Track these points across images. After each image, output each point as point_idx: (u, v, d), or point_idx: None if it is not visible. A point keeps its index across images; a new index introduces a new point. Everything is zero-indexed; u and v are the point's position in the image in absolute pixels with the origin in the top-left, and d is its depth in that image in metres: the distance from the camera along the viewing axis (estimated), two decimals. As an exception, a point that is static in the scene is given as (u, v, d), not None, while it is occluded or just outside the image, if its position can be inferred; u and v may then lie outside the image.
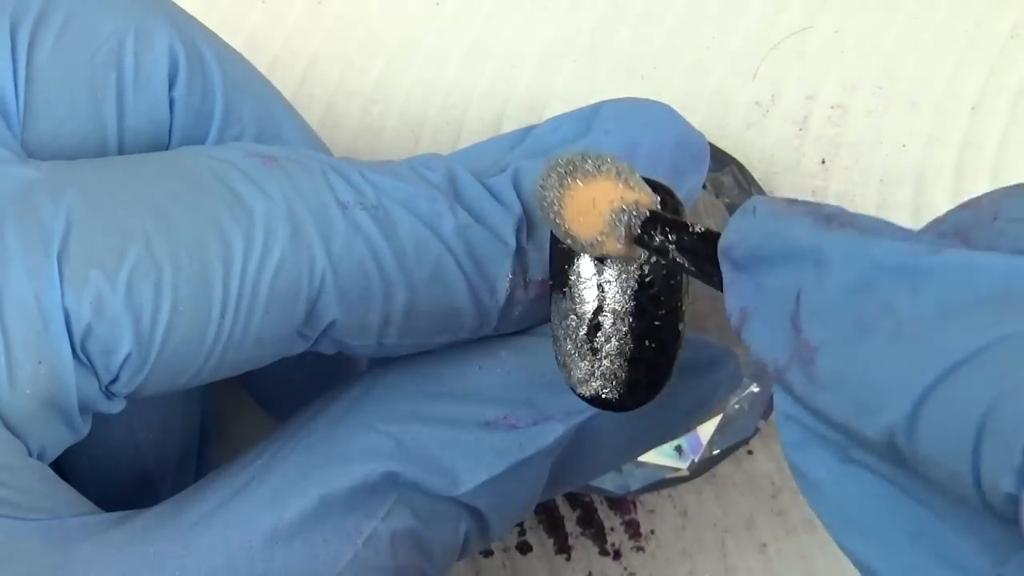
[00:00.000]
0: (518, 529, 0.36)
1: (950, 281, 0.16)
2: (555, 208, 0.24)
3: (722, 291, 0.20)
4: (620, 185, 0.24)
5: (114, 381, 0.24)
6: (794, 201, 0.20)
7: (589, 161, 0.24)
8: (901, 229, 0.18)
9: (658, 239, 0.23)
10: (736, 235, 0.20)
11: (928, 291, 0.16)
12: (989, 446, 0.15)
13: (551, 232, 0.26)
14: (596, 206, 0.24)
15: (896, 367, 0.16)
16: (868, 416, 0.17)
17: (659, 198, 0.24)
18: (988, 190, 0.36)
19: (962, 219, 0.19)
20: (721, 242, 0.20)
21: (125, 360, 0.24)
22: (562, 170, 0.24)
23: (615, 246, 0.24)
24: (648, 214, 0.23)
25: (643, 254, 0.25)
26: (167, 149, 0.28)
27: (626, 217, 0.23)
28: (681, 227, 0.22)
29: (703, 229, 0.22)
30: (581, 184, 0.24)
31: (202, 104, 0.28)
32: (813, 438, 0.19)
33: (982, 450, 0.15)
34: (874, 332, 0.17)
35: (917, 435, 0.16)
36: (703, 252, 0.22)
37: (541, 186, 0.25)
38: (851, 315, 0.17)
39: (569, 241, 0.24)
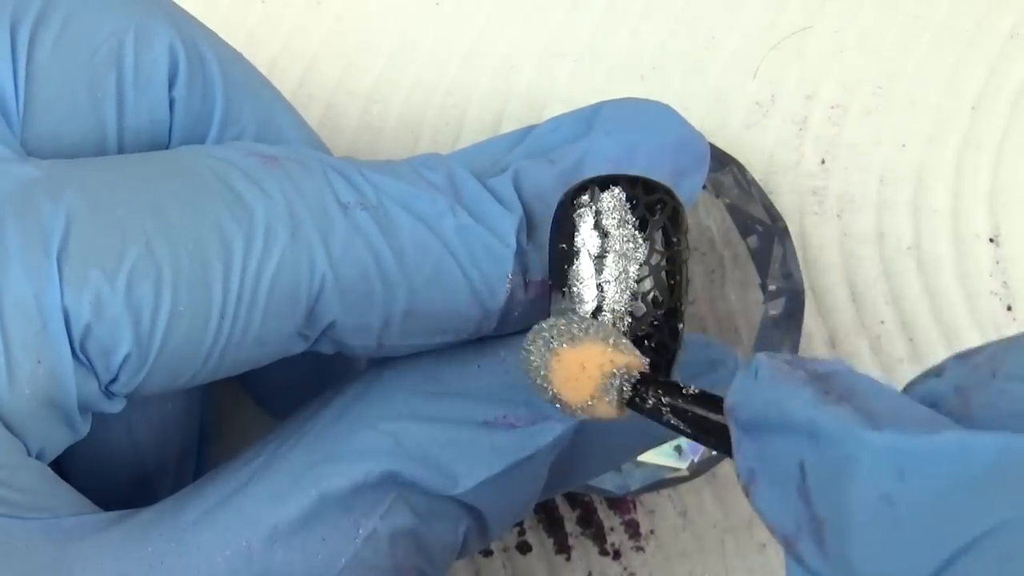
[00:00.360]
0: (518, 529, 0.36)
1: (944, 466, 0.16)
2: (542, 373, 0.24)
3: (718, 452, 0.20)
4: (608, 348, 0.24)
5: (113, 381, 0.24)
6: (795, 363, 0.20)
7: (575, 325, 0.24)
8: (901, 399, 0.18)
9: (651, 401, 0.23)
10: (739, 396, 0.20)
11: (922, 478, 0.16)
12: None
13: (551, 231, 0.26)
14: (585, 370, 0.24)
15: (896, 558, 0.16)
16: None
17: (648, 360, 0.24)
18: (988, 192, 0.36)
19: (960, 375, 0.19)
20: (727, 402, 0.20)
21: (124, 360, 0.24)
22: (547, 334, 0.24)
23: (607, 409, 0.24)
24: (639, 376, 0.23)
25: (643, 250, 0.25)
26: (167, 149, 0.28)
27: (617, 381, 0.23)
28: (674, 389, 0.22)
29: (696, 391, 0.22)
30: (568, 348, 0.24)
31: (202, 104, 0.28)
32: None
33: None
34: (870, 518, 0.17)
35: None
36: (696, 415, 0.22)
37: (527, 350, 0.25)
38: (847, 497, 0.17)
39: (558, 405, 0.24)
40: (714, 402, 0.22)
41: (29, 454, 0.24)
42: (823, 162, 0.38)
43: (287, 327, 0.25)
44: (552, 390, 0.24)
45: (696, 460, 0.35)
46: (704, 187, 0.36)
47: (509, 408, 0.26)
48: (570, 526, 0.36)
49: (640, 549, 0.36)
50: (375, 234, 0.25)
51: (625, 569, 0.36)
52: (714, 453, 0.35)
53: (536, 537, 0.36)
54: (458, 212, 0.26)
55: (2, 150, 0.25)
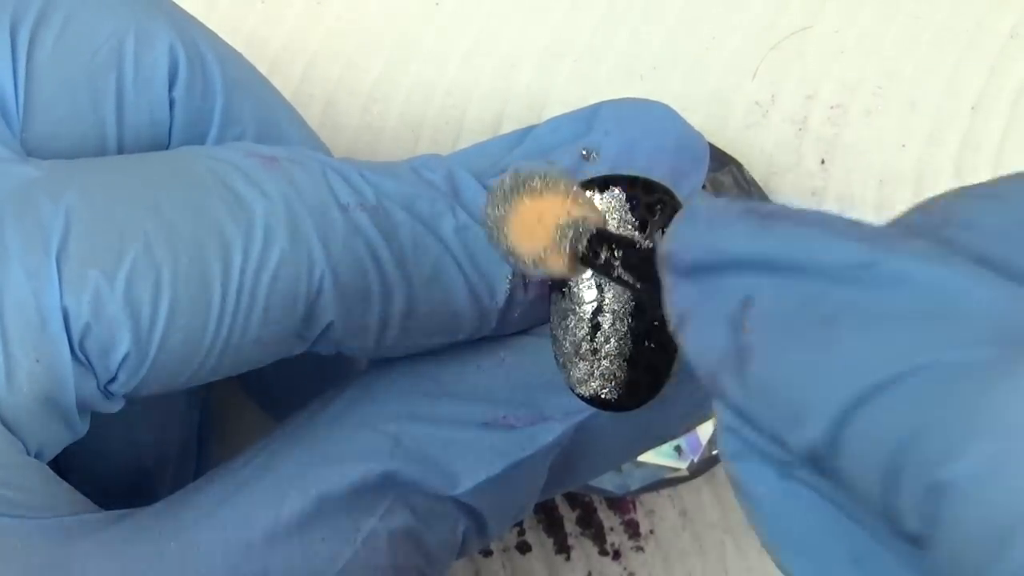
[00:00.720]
0: (518, 529, 0.36)
1: (882, 290, 0.16)
2: (499, 224, 0.23)
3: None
4: (568, 201, 0.23)
5: (112, 380, 0.24)
6: (731, 202, 0.19)
7: (537, 178, 0.24)
8: (847, 222, 0.18)
9: (603, 256, 0.22)
10: (677, 243, 0.19)
11: (860, 299, 0.16)
12: (901, 481, 0.15)
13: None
14: (541, 222, 0.23)
15: (820, 381, 0.16)
16: (792, 429, 0.16)
17: (605, 216, 0.23)
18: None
19: (914, 222, 0.18)
20: (660, 249, 0.20)
21: (123, 360, 0.24)
22: (509, 185, 0.24)
23: (558, 262, 0.23)
24: (594, 231, 0.23)
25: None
26: (167, 149, 0.28)
27: (571, 232, 0.23)
28: (627, 244, 0.22)
29: (650, 246, 0.21)
30: (528, 200, 0.23)
31: (202, 104, 0.28)
32: (753, 451, 0.18)
33: (894, 483, 0.15)
34: (805, 340, 0.16)
35: (837, 454, 0.16)
36: (647, 269, 0.21)
37: (487, 202, 0.24)
38: (788, 320, 0.16)
39: (511, 259, 0.24)
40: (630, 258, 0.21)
41: (28, 453, 0.24)
42: (823, 162, 0.38)
43: (286, 328, 0.25)
44: (507, 243, 0.23)
45: (696, 460, 0.35)
46: (704, 187, 0.36)
47: (508, 409, 0.26)
48: (570, 526, 0.36)
49: (640, 549, 0.36)
50: (374, 235, 0.25)
51: (625, 569, 0.36)
52: (714, 453, 0.35)
53: (536, 537, 0.36)
54: (458, 213, 0.26)
55: (1, 150, 0.25)
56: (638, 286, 0.22)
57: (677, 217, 0.20)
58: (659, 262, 0.20)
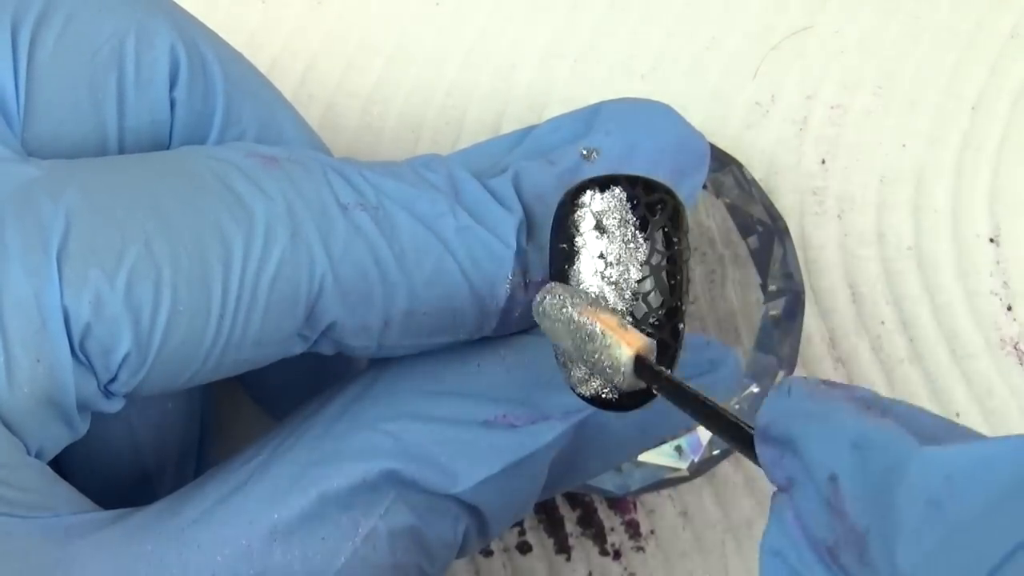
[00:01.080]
0: (518, 529, 0.36)
1: (993, 472, 0.16)
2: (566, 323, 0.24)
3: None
4: (616, 321, 0.24)
5: (113, 380, 0.24)
6: (829, 384, 0.20)
7: (589, 298, 0.25)
8: (935, 417, 0.19)
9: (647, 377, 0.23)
10: (773, 414, 0.20)
11: (971, 483, 0.17)
12: None
13: (551, 232, 0.26)
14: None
15: (945, 564, 0.17)
16: None
17: (655, 342, 0.24)
18: (988, 192, 0.36)
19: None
20: (758, 421, 0.20)
21: (124, 360, 0.24)
22: (565, 296, 0.25)
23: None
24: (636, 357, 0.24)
25: (643, 249, 0.25)
26: (167, 149, 0.28)
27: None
28: (663, 381, 0.23)
29: (688, 389, 0.23)
30: (587, 312, 0.24)
31: (203, 105, 0.28)
32: None
33: None
34: (919, 524, 0.17)
35: None
36: (681, 402, 0.22)
37: (544, 301, 0.25)
38: (895, 504, 0.17)
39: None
40: (709, 410, 0.22)
41: (28, 453, 0.24)
42: (823, 162, 0.38)
43: (287, 328, 0.25)
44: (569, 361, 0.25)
45: (696, 460, 0.35)
46: (704, 187, 0.36)
47: (509, 407, 0.27)
48: (570, 526, 0.36)
49: (640, 549, 0.36)
50: (375, 235, 0.25)
51: (625, 569, 0.36)
52: (715, 453, 0.35)
53: (536, 537, 0.36)
54: (458, 213, 0.26)
55: (2, 150, 0.25)
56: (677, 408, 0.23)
57: (773, 390, 0.21)
58: (756, 439, 0.21)
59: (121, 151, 0.27)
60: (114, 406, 0.25)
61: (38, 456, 0.25)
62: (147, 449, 0.30)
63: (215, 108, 0.28)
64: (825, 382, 0.20)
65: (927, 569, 0.17)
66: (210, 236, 0.24)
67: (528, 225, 0.27)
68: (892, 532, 0.17)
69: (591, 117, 0.29)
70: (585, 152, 0.28)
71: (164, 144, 0.28)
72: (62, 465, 0.28)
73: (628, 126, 0.29)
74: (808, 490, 0.19)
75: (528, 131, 0.30)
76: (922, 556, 0.17)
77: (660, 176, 0.26)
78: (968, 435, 0.18)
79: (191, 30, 0.28)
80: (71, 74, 0.26)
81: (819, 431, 0.19)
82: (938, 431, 0.18)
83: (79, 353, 0.23)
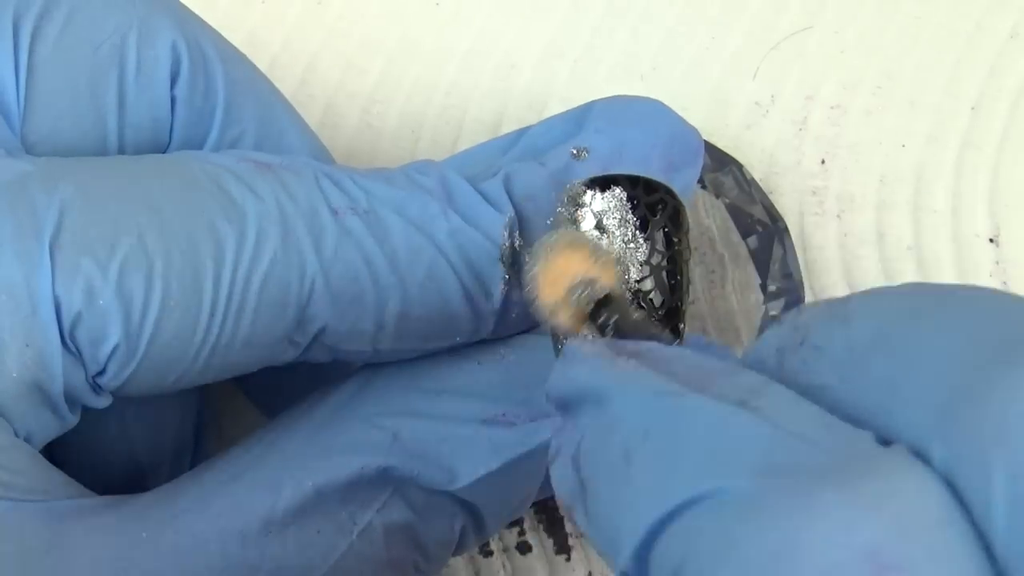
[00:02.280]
0: (518, 529, 0.36)
1: (674, 427, 0.16)
2: (533, 276, 0.25)
3: None
4: (590, 261, 0.24)
5: (101, 373, 0.24)
6: (611, 344, 0.20)
7: (575, 235, 0.25)
8: (689, 354, 0.18)
9: (602, 319, 0.23)
10: (552, 378, 0.20)
11: (657, 435, 0.17)
12: None
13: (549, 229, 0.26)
14: (564, 276, 0.24)
15: (624, 513, 0.17)
16: (615, 555, 0.17)
17: (624, 282, 0.25)
18: (988, 192, 0.36)
19: (784, 335, 0.19)
20: (545, 387, 0.21)
21: (113, 351, 0.24)
22: (548, 242, 0.25)
23: (565, 318, 0.24)
24: (603, 295, 0.24)
25: (643, 249, 0.25)
26: (167, 147, 0.28)
27: (580, 290, 0.24)
28: (622, 313, 0.23)
29: (641, 321, 0.23)
30: (558, 256, 0.24)
31: (204, 103, 0.28)
32: None
33: None
34: (615, 475, 0.17)
35: None
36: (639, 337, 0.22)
37: (531, 256, 0.25)
38: (603, 456, 0.17)
39: (536, 308, 0.25)
40: (651, 329, 0.22)
41: (17, 436, 0.24)
42: (823, 162, 0.38)
43: (277, 330, 0.25)
44: (536, 292, 0.25)
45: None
46: (704, 187, 0.36)
47: (508, 406, 0.27)
48: (570, 526, 0.36)
49: (640, 549, 0.36)
50: (366, 238, 0.25)
51: (625, 569, 0.36)
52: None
53: (536, 537, 0.36)
54: (450, 216, 0.26)
55: None
56: None
57: (560, 354, 0.21)
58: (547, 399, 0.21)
59: (121, 148, 0.27)
60: (101, 402, 0.25)
61: (27, 443, 0.25)
62: (142, 447, 0.30)
63: (216, 106, 0.28)
64: (609, 342, 0.20)
65: (610, 520, 0.17)
66: (203, 233, 0.24)
67: (520, 226, 0.27)
68: (596, 483, 0.18)
69: (582, 116, 0.29)
70: (575, 151, 0.28)
71: (164, 141, 0.28)
72: (55, 462, 0.28)
73: (618, 124, 0.29)
74: (563, 453, 0.19)
75: (522, 133, 0.30)
76: (608, 506, 0.17)
77: (652, 172, 0.26)
78: (682, 384, 0.18)
79: (193, 28, 0.28)
80: (72, 70, 0.26)
81: (573, 391, 0.19)
82: (675, 364, 0.18)
83: (69, 342, 0.24)
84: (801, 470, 0.15)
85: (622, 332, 0.23)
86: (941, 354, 0.15)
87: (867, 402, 0.16)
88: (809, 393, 0.17)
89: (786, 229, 0.36)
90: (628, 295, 0.24)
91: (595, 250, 0.24)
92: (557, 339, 0.25)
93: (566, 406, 0.19)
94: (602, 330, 0.23)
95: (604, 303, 0.23)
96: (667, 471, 0.16)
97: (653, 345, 0.19)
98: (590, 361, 0.19)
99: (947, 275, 0.37)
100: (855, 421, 0.16)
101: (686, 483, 0.16)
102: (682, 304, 0.26)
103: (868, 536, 0.14)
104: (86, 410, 0.26)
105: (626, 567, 0.17)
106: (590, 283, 0.24)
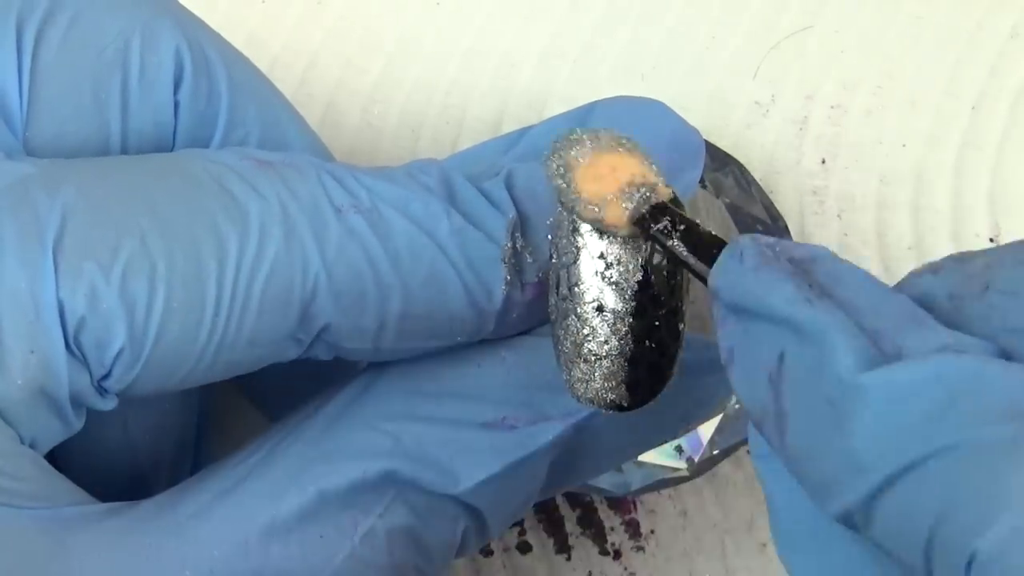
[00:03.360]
0: (518, 529, 0.36)
1: (905, 383, 0.17)
2: (571, 163, 0.24)
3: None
4: (647, 167, 0.24)
5: (106, 376, 0.24)
6: (779, 248, 0.20)
7: (622, 139, 0.24)
8: (884, 293, 0.19)
9: (662, 224, 0.23)
10: (723, 280, 0.21)
11: (883, 391, 0.17)
12: (938, 555, 0.16)
13: (551, 232, 0.26)
14: (614, 173, 0.24)
15: (853, 459, 0.17)
16: (827, 495, 0.18)
17: (672, 192, 0.24)
18: (988, 192, 0.36)
19: (955, 282, 0.19)
20: (711, 281, 0.21)
21: (118, 355, 0.24)
22: (586, 137, 0.24)
23: (616, 214, 0.24)
24: (661, 201, 0.23)
25: (643, 249, 0.25)
26: (171, 151, 0.28)
27: (640, 193, 0.24)
28: (689, 222, 0.23)
29: (708, 232, 0.22)
30: (605, 154, 0.24)
31: (207, 107, 0.28)
32: (788, 477, 0.20)
33: (932, 556, 0.17)
34: (838, 419, 0.18)
35: (872, 523, 0.18)
36: (703, 251, 0.22)
37: (563, 144, 0.25)
38: (819, 395, 0.18)
39: (571, 198, 0.24)
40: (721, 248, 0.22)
41: (22, 443, 0.24)
42: (823, 162, 0.38)
43: (280, 328, 0.25)
44: (572, 180, 0.24)
45: (696, 460, 0.35)
46: (704, 187, 0.36)
47: (509, 409, 0.27)
48: (570, 526, 0.36)
49: (640, 549, 0.36)
50: (369, 236, 0.25)
51: (625, 569, 0.36)
52: (715, 453, 0.35)
53: (536, 537, 0.36)
54: (452, 215, 0.26)
55: None
56: (691, 262, 0.22)
57: (726, 251, 0.21)
58: (711, 294, 0.21)
59: (124, 152, 0.27)
60: (107, 404, 0.25)
61: (31, 448, 0.25)
62: (143, 450, 0.30)
63: (219, 111, 0.28)
64: (775, 244, 0.20)
65: (828, 470, 0.18)
66: (205, 233, 0.24)
67: (522, 225, 0.27)
68: (806, 426, 0.18)
69: (585, 116, 0.29)
70: None
71: (167, 146, 0.28)
72: (57, 466, 0.28)
73: (621, 124, 0.29)
74: (749, 363, 0.20)
75: (523, 132, 0.30)
76: (828, 456, 0.18)
77: None
78: (911, 317, 0.18)
79: (196, 32, 0.28)
80: (75, 74, 0.26)
81: (763, 309, 0.19)
82: (880, 311, 0.18)
83: (73, 346, 0.24)
84: None
85: (686, 238, 0.22)
86: None
87: None
88: (1008, 337, 0.18)
89: (786, 229, 0.36)
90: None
91: (648, 157, 0.24)
92: (575, 226, 0.25)
93: (742, 311, 0.20)
94: (662, 234, 0.23)
95: (662, 209, 0.23)
96: (896, 427, 0.17)
97: (833, 271, 0.19)
98: (784, 289, 0.19)
99: (947, 275, 0.37)
100: None
101: (920, 437, 0.17)
102: (682, 304, 0.26)
103: None
104: (90, 413, 0.26)
105: (846, 512, 0.18)
106: (652, 187, 0.24)
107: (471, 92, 0.38)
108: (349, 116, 0.38)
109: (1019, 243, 0.19)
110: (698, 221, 0.23)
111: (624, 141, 0.25)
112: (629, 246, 0.25)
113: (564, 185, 0.24)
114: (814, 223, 0.37)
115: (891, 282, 0.36)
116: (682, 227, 0.23)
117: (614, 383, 0.25)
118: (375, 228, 0.26)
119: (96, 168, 0.25)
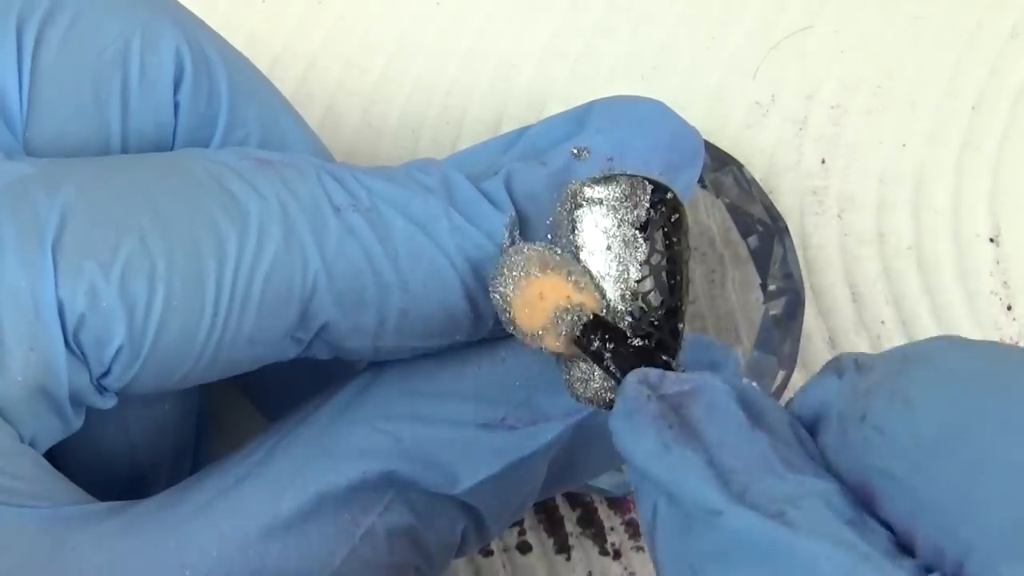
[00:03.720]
0: (518, 529, 0.36)
1: (722, 546, 0.18)
2: (506, 296, 0.25)
3: None
4: (570, 284, 0.25)
5: (106, 375, 0.24)
6: (657, 387, 0.21)
7: (545, 255, 0.25)
8: (748, 435, 0.19)
9: (596, 344, 0.24)
10: (612, 425, 0.21)
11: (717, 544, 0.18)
12: None
13: (550, 231, 0.26)
14: (542, 300, 0.25)
15: None
16: None
17: (606, 302, 0.25)
18: (988, 192, 0.36)
19: (846, 401, 0.20)
20: (610, 426, 0.21)
21: (117, 353, 0.24)
22: (518, 260, 0.25)
23: (554, 343, 0.25)
24: (590, 317, 0.24)
25: (641, 247, 0.25)
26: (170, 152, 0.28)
27: (568, 317, 0.24)
28: (619, 338, 0.24)
29: (640, 344, 0.24)
30: (534, 277, 0.25)
31: (207, 108, 0.28)
32: None
33: None
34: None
35: None
36: (636, 363, 0.23)
37: (497, 273, 0.25)
38: (683, 560, 0.19)
39: (512, 329, 0.25)
40: (654, 359, 0.23)
41: (22, 442, 0.24)
42: (823, 162, 0.38)
43: (280, 327, 0.25)
44: (510, 314, 0.25)
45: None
46: (704, 187, 0.36)
47: (508, 409, 0.27)
48: (570, 526, 0.36)
49: (640, 549, 0.36)
50: (368, 235, 0.25)
51: (625, 569, 0.36)
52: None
53: (536, 537, 0.36)
54: (451, 214, 0.26)
55: None
56: (619, 377, 0.23)
57: (618, 394, 0.22)
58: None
59: (124, 152, 0.27)
60: (107, 402, 0.25)
61: (31, 447, 0.25)
62: (143, 450, 0.30)
63: (219, 111, 0.28)
64: (658, 379, 0.21)
65: None
66: (205, 233, 0.24)
67: (521, 225, 0.27)
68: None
69: (583, 116, 0.29)
70: (576, 151, 0.28)
71: (167, 146, 0.28)
72: (56, 465, 0.28)
73: (619, 124, 0.29)
74: (642, 509, 0.20)
75: (522, 132, 0.30)
76: None
77: (652, 172, 0.26)
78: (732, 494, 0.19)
79: (196, 32, 0.28)
80: (75, 74, 0.26)
81: (631, 462, 0.20)
82: (738, 452, 0.19)
83: (73, 345, 0.24)
84: None
85: (618, 356, 0.23)
86: (1012, 466, 0.16)
87: (933, 502, 0.17)
88: (870, 474, 0.18)
89: (786, 228, 0.36)
90: (610, 312, 0.25)
91: (570, 270, 0.25)
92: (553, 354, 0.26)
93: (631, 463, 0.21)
94: (597, 355, 0.24)
95: (592, 327, 0.24)
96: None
97: (710, 404, 0.20)
98: (645, 441, 0.20)
99: (947, 275, 0.37)
100: (919, 516, 0.17)
101: None
102: (682, 304, 0.26)
103: None
104: (89, 412, 0.26)
105: None
106: (577, 309, 0.24)
107: (471, 92, 0.38)
108: (349, 116, 0.38)
109: (898, 367, 0.19)
110: (626, 333, 0.24)
111: (545, 258, 0.25)
112: (629, 245, 0.25)
113: (507, 320, 0.25)
114: (814, 223, 0.37)
115: (891, 284, 0.36)
116: (611, 344, 0.24)
117: (614, 383, 0.25)
118: (374, 227, 0.26)
119: (96, 168, 0.25)
